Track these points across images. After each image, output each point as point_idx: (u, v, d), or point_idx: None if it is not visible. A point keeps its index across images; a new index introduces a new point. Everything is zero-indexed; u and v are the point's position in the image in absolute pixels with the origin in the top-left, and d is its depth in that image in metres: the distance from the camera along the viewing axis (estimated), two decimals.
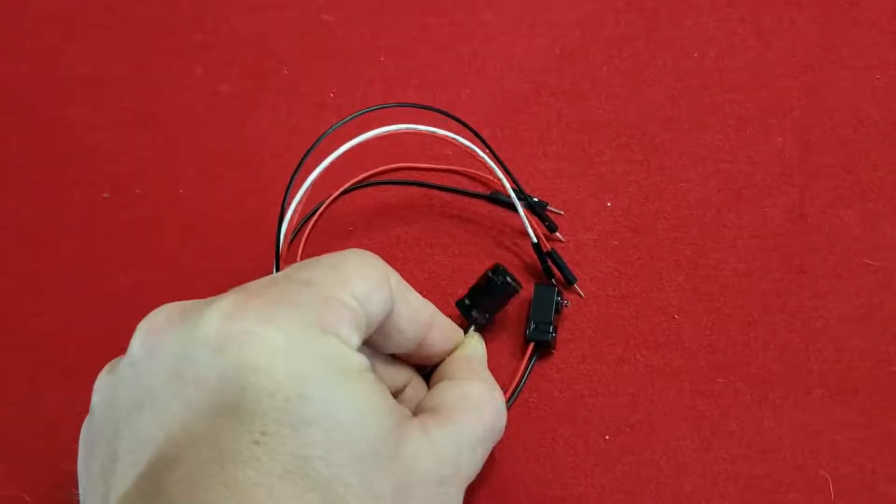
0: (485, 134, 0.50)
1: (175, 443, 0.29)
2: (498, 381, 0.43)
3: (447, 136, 0.45)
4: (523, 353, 0.45)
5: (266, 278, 0.34)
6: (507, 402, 0.43)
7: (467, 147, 0.46)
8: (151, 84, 0.54)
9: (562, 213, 0.48)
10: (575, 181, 0.49)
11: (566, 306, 0.45)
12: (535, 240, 0.45)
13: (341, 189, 0.49)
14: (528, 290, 0.45)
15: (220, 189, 0.51)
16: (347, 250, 0.35)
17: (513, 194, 0.45)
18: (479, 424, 0.36)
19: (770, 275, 0.46)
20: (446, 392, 0.37)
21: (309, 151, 0.44)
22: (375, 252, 0.36)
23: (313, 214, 0.49)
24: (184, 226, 0.50)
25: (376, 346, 0.37)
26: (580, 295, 0.46)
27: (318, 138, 0.45)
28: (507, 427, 0.42)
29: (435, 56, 0.53)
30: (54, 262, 0.50)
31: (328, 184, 0.49)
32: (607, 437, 0.43)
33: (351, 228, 0.49)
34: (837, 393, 0.43)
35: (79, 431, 0.35)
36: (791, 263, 0.46)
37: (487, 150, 0.46)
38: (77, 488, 0.34)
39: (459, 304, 0.44)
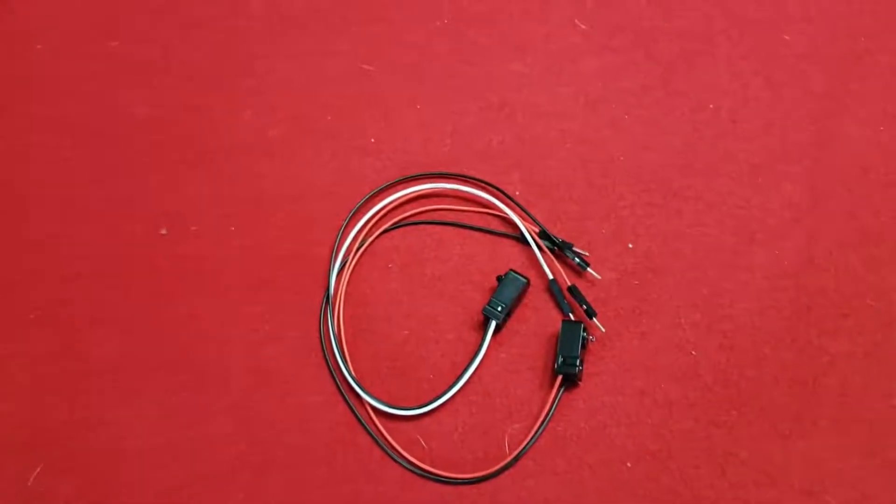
0: (514, 178, 0.54)
1: None
2: (528, 412, 0.47)
3: (475, 194, 0.52)
4: (551, 386, 0.48)
5: None
6: (536, 431, 0.47)
7: (500, 194, 0.50)
8: (203, 127, 0.58)
9: (587, 253, 0.51)
10: (598, 223, 0.53)
11: (591, 342, 0.49)
12: (550, 276, 0.50)
13: (383, 228, 0.53)
14: (556, 325, 0.49)
15: (268, 227, 0.54)
16: None
17: (525, 232, 0.50)
18: None
19: (780, 313, 0.49)
20: None
21: (360, 204, 0.49)
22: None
23: (356, 252, 0.53)
24: (234, 260, 0.54)
25: None
26: (601, 329, 0.49)
27: (366, 196, 0.51)
28: (537, 454, 0.46)
29: (467, 104, 0.57)
30: (115, 291, 0.53)
31: (371, 222, 0.53)
32: (629, 465, 0.46)
33: (390, 265, 0.53)
34: (842, 424, 0.46)
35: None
36: (799, 303, 0.49)
37: (512, 204, 0.51)
38: None
39: (484, 309, 0.49)
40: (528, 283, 0.50)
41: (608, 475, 0.46)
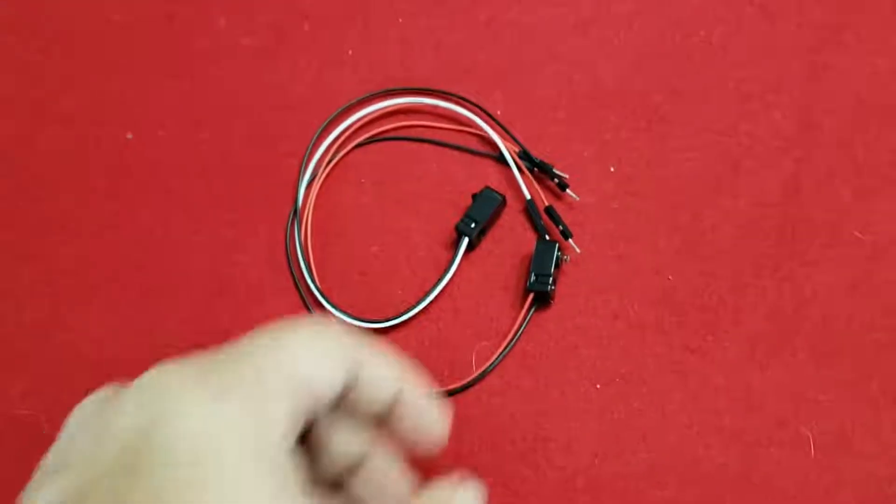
0: (497, 97, 0.52)
1: (84, 496, 0.27)
2: (497, 330, 0.45)
3: (455, 111, 0.50)
4: (523, 305, 0.46)
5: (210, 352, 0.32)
6: (505, 348, 0.45)
7: (482, 112, 0.48)
8: (178, 34, 0.56)
9: (567, 176, 0.50)
10: (581, 146, 0.51)
11: (565, 261, 0.47)
12: (528, 196, 0.48)
13: (356, 142, 0.51)
14: (531, 246, 0.48)
15: (238, 136, 0.53)
16: (303, 322, 0.31)
17: (504, 150, 0.48)
18: None
19: (763, 241, 0.47)
20: None
21: (334, 116, 0.47)
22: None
23: (328, 165, 0.51)
24: (201, 168, 0.52)
25: (343, 409, 0.34)
26: (576, 251, 0.48)
27: (340, 108, 0.48)
28: (504, 371, 0.44)
29: (452, 20, 0.55)
30: (79, 194, 0.52)
31: (345, 136, 0.51)
32: (598, 386, 0.45)
33: (363, 180, 0.51)
34: (821, 356, 0.45)
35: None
36: (784, 232, 0.47)
37: (493, 122, 0.49)
38: None
39: (457, 225, 0.48)
40: (504, 201, 0.49)
41: (576, 396, 0.45)
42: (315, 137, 0.51)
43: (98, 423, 0.29)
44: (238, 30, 0.56)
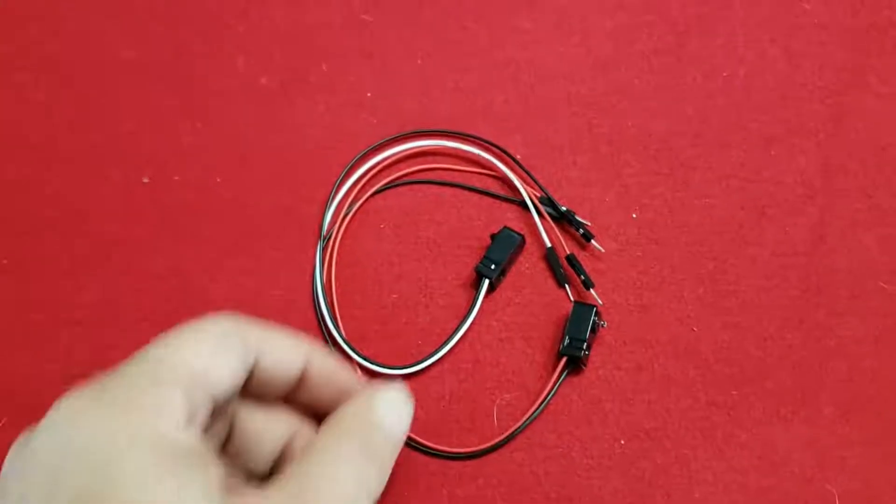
0: (517, 140, 0.51)
1: None
2: (519, 384, 0.44)
3: (475, 153, 0.50)
4: (547, 361, 0.46)
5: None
6: (533, 413, 0.45)
7: (502, 154, 0.48)
8: (194, 72, 0.55)
9: (589, 223, 0.49)
10: (602, 191, 0.50)
11: (603, 327, 0.46)
12: (549, 244, 0.48)
13: (376, 186, 0.51)
14: (551, 295, 0.47)
15: (255, 180, 0.52)
16: (192, 322, 0.32)
17: (525, 196, 0.47)
18: None
19: (788, 292, 0.47)
20: (311, 465, 0.31)
21: (357, 158, 0.46)
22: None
23: (350, 209, 0.50)
24: (219, 213, 0.51)
25: (255, 392, 0.35)
26: (599, 302, 0.47)
27: (363, 151, 0.48)
28: (527, 428, 0.44)
29: (470, 61, 0.54)
30: (93, 240, 0.51)
31: (365, 180, 0.51)
32: (622, 442, 0.44)
33: (382, 226, 0.50)
34: (847, 411, 0.44)
35: None
36: (809, 282, 0.47)
37: (519, 168, 0.49)
38: None
39: (477, 267, 0.47)
40: (524, 241, 0.48)
41: (600, 452, 0.44)
42: (337, 182, 0.50)
43: (17, 468, 0.29)
44: (256, 69, 0.55)
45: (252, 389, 0.34)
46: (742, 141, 0.51)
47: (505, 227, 0.48)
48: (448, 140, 0.52)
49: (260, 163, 0.52)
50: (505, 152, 0.51)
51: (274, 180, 0.52)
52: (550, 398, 0.45)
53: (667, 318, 0.47)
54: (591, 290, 0.47)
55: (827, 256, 0.47)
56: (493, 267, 0.47)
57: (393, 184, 0.51)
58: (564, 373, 0.46)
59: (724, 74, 0.53)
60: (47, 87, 0.56)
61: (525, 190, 0.49)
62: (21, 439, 0.30)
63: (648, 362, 0.46)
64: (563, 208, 0.49)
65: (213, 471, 0.29)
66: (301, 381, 0.35)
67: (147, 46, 0.56)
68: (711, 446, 0.44)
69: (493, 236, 0.48)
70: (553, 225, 0.49)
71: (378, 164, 0.51)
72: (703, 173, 0.50)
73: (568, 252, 0.48)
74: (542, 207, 0.49)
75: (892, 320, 0.46)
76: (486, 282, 0.47)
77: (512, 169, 0.50)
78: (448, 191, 0.51)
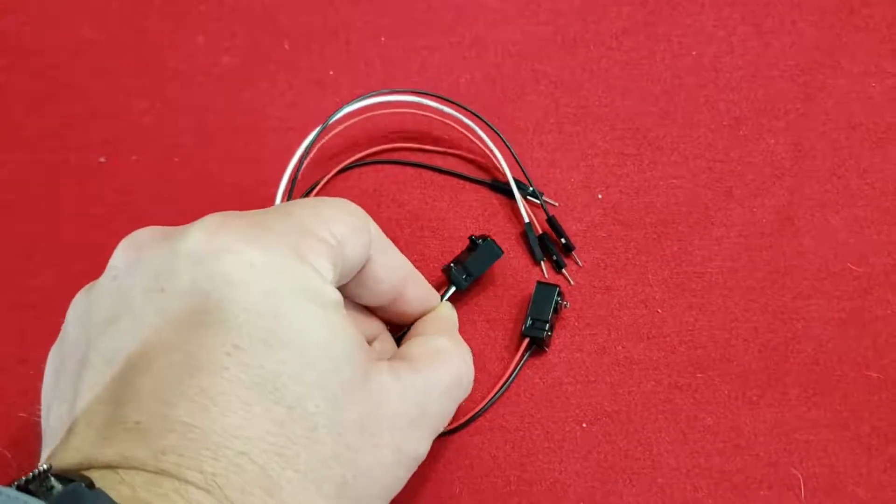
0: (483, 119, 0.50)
1: (148, 350, 0.29)
2: (479, 365, 0.43)
3: (454, 118, 0.48)
4: (511, 342, 0.45)
5: (249, 211, 0.35)
6: (495, 394, 0.44)
7: (472, 130, 0.47)
8: (153, 51, 0.54)
9: (556, 204, 0.48)
10: (568, 172, 0.49)
11: (565, 307, 0.45)
12: (527, 220, 0.47)
13: (339, 167, 0.50)
14: (519, 275, 0.46)
15: (215, 160, 0.51)
16: (331, 197, 0.36)
17: (513, 183, 0.46)
18: (446, 375, 0.36)
19: (754, 274, 0.46)
20: (417, 345, 0.38)
21: (318, 132, 0.45)
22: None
23: (310, 191, 0.49)
24: (177, 194, 0.50)
25: (352, 295, 0.38)
26: (570, 283, 0.46)
27: (327, 120, 0.46)
28: (489, 412, 0.43)
29: (436, 39, 0.53)
30: (49, 223, 0.50)
31: (326, 161, 0.50)
32: (584, 425, 0.44)
33: None
34: (813, 394, 0.44)
35: None
36: (776, 264, 0.46)
37: (496, 137, 0.48)
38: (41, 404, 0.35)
39: (445, 268, 0.45)
40: (502, 256, 0.45)
41: (562, 435, 0.43)
42: (297, 162, 0.49)
43: (147, 277, 0.31)
44: (217, 48, 0.54)
45: (351, 287, 0.37)
46: (710, 121, 0.50)
47: (490, 238, 0.45)
48: (418, 106, 0.48)
49: (220, 143, 0.51)
50: (479, 131, 0.49)
51: (234, 160, 0.51)
52: (512, 380, 0.44)
53: (631, 300, 0.46)
54: (564, 271, 0.46)
55: (794, 238, 0.47)
56: (464, 277, 0.44)
57: (355, 163, 0.50)
58: (527, 354, 0.45)
59: (693, 53, 0.52)
60: (3, 66, 0.54)
61: (509, 173, 0.47)
62: (138, 237, 0.35)
63: (612, 344, 0.45)
64: (532, 188, 0.48)
65: (357, 327, 0.33)
66: (398, 296, 0.39)
67: (107, 25, 0.55)
68: (675, 430, 0.43)
69: (473, 242, 0.45)
70: (525, 204, 0.48)
71: (339, 131, 0.49)
72: (670, 154, 0.49)
73: (541, 231, 0.47)
74: (514, 186, 0.48)
75: (860, 302, 0.45)
76: (452, 289, 0.45)
77: (484, 148, 0.49)
78: (412, 171, 0.50)
